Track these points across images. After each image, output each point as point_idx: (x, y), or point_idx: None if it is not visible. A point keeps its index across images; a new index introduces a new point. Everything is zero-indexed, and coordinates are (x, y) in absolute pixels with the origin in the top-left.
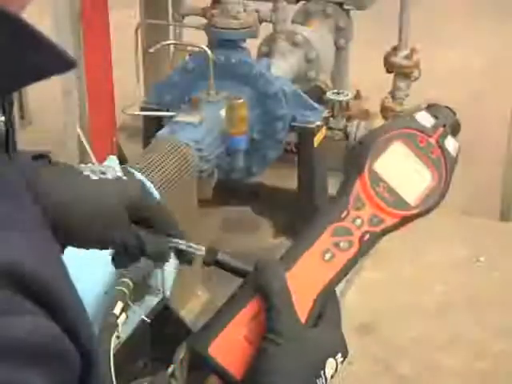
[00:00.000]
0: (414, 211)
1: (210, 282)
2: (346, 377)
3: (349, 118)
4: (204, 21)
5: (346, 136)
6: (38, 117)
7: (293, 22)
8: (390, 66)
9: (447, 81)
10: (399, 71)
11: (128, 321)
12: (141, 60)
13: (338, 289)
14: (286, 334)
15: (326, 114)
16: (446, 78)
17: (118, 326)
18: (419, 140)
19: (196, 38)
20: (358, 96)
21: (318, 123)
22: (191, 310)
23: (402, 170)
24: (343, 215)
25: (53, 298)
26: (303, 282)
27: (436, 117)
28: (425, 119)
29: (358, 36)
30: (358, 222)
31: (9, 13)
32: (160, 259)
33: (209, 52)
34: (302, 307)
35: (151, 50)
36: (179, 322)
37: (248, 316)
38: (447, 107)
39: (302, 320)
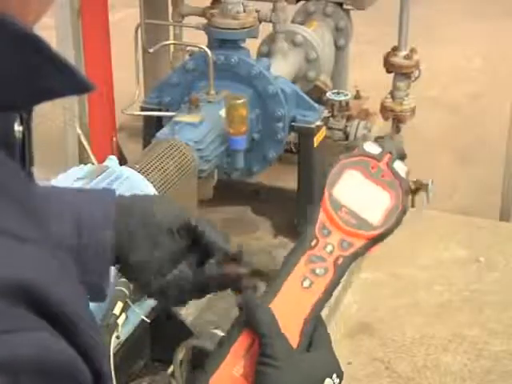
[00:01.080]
0: (379, 231)
1: None
2: (346, 378)
3: (349, 118)
4: (204, 21)
5: (346, 136)
6: (38, 117)
7: (293, 21)
8: (389, 66)
9: (447, 81)
10: (399, 71)
11: (128, 321)
12: (141, 60)
13: (337, 289)
14: (281, 357)
15: (325, 113)
16: (445, 78)
17: (118, 326)
18: (371, 166)
19: (196, 38)
20: (357, 96)
21: (318, 123)
22: (191, 310)
23: (359, 194)
24: (313, 244)
25: (67, 319)
26: (288, 311)
27: (382, 146)
28: (372, 148)
29: (358, 36)
30: (329, 248)
31: (29, 33)
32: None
33: (209, 52)
34: (291, 334)
35: (151, 50)
36: (179, 322)
37: (240, 352)
38: (391, 137)
39: (294, 346)
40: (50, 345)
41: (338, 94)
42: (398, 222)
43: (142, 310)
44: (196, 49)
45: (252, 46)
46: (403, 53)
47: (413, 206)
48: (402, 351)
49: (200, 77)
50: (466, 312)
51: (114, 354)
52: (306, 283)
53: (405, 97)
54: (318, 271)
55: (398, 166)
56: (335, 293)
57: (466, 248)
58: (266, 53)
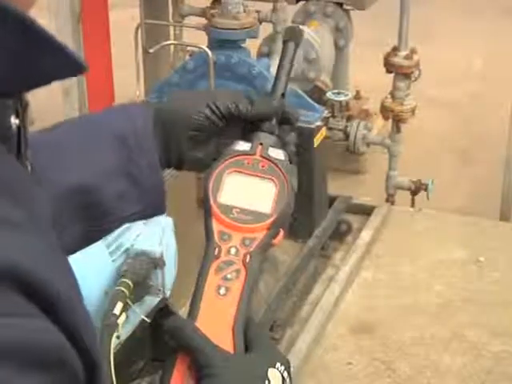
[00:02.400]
0: (274, 216)
1: None
2: (346, 378)
3: (349, 118)
4: (204, 21)
5: (347, 136)
6: (39, 117)
7: (293, 22)
8: (389, 66)
9: (447, 80)
10: (399, 71)
11: (128, 321)
12: (141, 60)
13: (338, 288)
14: (218, 363)
15: (326, 114)
16: (445, 78)
17: (118, 326)
18: (246, 162)
19: (196, 38)
20: (357, 96)
21: (318, 123)
22: None
23: (245, 191)
24: (216, 253)
25: (58, 306)
26: (214, 324)
27: (251, 140)
28: (241, 146)
29: (358, 36)
30: (233, 250)
31: (22, 16)
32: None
33: (209, 52)
34: (224, 344)
35: (151, 51)
36: None
37: (180, 379)
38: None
39: (231, 352)
40: (37, 330)
41: (339, 94)
42: (289, 202)
43: (142, 310)
44: (196, 49)
45: (252, 46)
46: (403, 53)
47: (413, 205)
48: (403, 351)
49: (200, 77)
50: (466, 312)
51: (115, 354)
52: (222, 291)
53: (405, 97)
54: (229, 276)
55: (273, 152)
56: (335, 292)
57: (466, 248)
58: (266, 53)
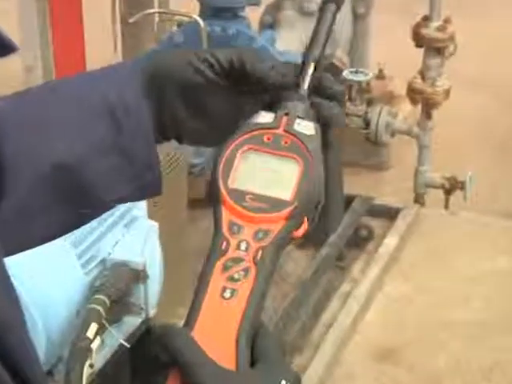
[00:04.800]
0: (294, 204)
1: None
2: None
3: (370, 102)
4: None
5: (367, 123)
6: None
7: None
8: (419, 40)
9: (489, 58)
10: (430, 45)
11: (104, 346)
12: (119, 32)
13: (356, 306)
14: (209, 381)
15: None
16: (486, 55)
17: (91, 351)
18: (265, 138)
19: (186, 5)
20: (380, 75)
21: None
22: None
23: (261, 173)
24: (223, 247)
25: None
26: (215, 332)
27: (276, 110)
28: (263, 117)
29: (381, 2)
30: (243, 245)
31: None
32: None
33: (201, 22)
34: (226, 356)
35: (131, 20)
36: None
37: None
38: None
39: (231, 367)
40: None
41: (357, 73)
42: (315, 187)
43: (120, 333)
44: (186, 18)
45: (253, 15)
46: (435, 23)
47: (447, 207)
48: (434, 381)
49: None
50: (509, 332)
51: None
52: (227, 294)
53: (437, 77)
54: (236, 276)
55: (301, 125)
56: (353, 310)
57: (506, 257)
58: (270, 23)
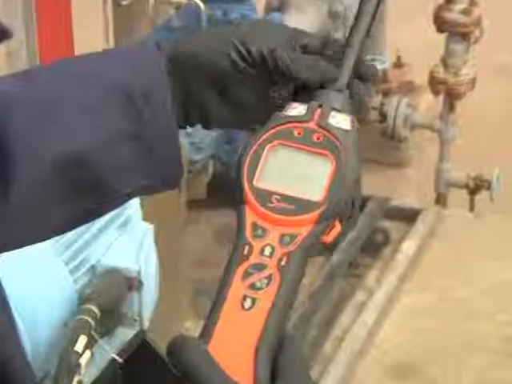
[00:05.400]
0: (325, 206)
1: (200, 310)
2: None
3: (386, 93)
4: None
5: (383, 117)
6: None
7: None
8: (441, 24)
9: None
10: (454, 30)
11: (94, 361)
12: (110, 16)
13: (371, 318)
14: None
15: None
16: None
17: (80, 367)
18: (296, 132)
19: None
20: (398, 63)
21: None
22: None
23: (289, 171)
24: (246, 252)
25: None
26: (233, 345)
27: (311, 100)
28: (294, 109)
29: None
30: (268, 250)
31: None
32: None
33: (201, 5)
34: (243, 372)
35: (125, 3)
36: (160, 362)
37: None
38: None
39: None
40: None
41: (373, 60)
42: (348, 187)
43: (112, 347)
44: (184, 1)
45: None
46: (459, 6)
47: (472, 209)
48: None
49: None
50: None
51: None
52: (248, 303)
53: (462, 65)
54: (258, 284)
55: (336, 118)
56: (368, 323)
57: None
58: (277, 6)
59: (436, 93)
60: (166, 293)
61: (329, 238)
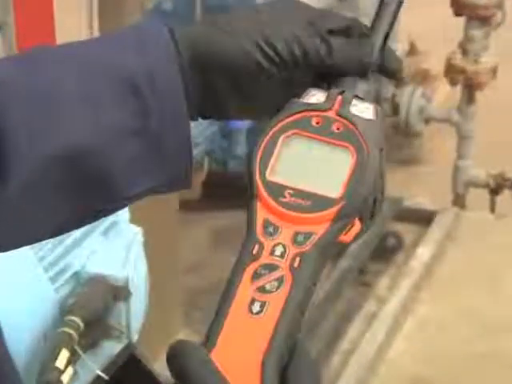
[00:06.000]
0: (342, 202)
1: (194, 321)
2: None
3: (399, 83)
4: None
5: (395, 109)
6: None
7: None
8: (459, 7)
9: None
10: (473, 14)
11: (77, 377)
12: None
13: (383, 330)
14: None
15: None
16: None
17: None
18: (314, 121)
19: None
20: (412, 51)
21: None
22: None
23: (305, 164)
24: (255, 251)
25: None
26: (239, 353)
27: (332, 86)
28: (313, 96)
29: None
30: (279, 250)
31: None
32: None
33: None
34: (249, 383)
35: None
36: (150, 378)
37: None
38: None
39: None
40: None
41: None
42: (369, 183)
43: (97, 362)
44: None
45: None
46: None
47: (493, 210)
48: None
49: (182, 23)
50: None
51: None
52: (256, 308)
53: (481, 51)
54: (268, 287)
55: (356, 107)
56: (379, 335)
57: None
58: None
59: (454, 83)
60: (156, 302)
61: (348, 237)
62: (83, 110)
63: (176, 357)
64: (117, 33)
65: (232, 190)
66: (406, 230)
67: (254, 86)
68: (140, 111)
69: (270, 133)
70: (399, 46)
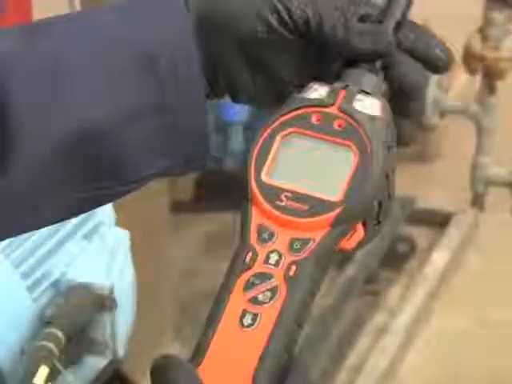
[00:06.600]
0: (342, 206)
1: (186, 333)
2: None
3: None
4: None
5: None
6: None
7: None
8: None
9: None
10: None
11: None
12: None
13: (394, 345)
14: None
15: None
16: None
17: None
18: (314, 118)
19: None
20: None
21: None
22: None
23: (303, 164)
24: (248, 259)
25: None
26: (228, 369)
27: (334, 80)
28: (315, 90)
29: None
30: (274, 258)
31: None
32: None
33: None
34: None
35: None
36: None
37: None
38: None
39: None
40: None
41: None
42: (373, 185)
43: (79, 379)
44: None
45: None
46: None
47: None
48: None
49: None
50: None
51: None
52: (247, 320)
53: (503, 37)
54: (261, 297)
55: (362, 102)
56: (389, 351)
57: None
58: None
59: (472, 71)
60: (144, 313)
61: (349, 244)
62: (93, 86)
63: (159, 372)
64: (129, 2)
65: (228, 190)
66: (420, 234)
67: (267, 59)
68: (156, 86)
69: (267, 130)
70: None
